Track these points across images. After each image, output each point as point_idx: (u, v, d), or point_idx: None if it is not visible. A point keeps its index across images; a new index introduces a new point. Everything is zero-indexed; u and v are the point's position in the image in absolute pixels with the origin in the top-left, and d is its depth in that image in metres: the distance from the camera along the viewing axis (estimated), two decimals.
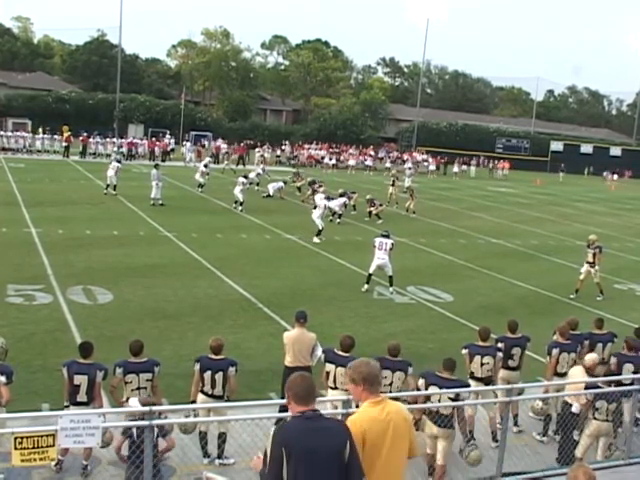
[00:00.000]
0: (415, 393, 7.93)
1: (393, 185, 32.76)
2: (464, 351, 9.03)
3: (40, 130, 49.77)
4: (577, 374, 8.82)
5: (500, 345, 9.43)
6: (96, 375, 7.46)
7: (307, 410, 4.16)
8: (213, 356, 8.09)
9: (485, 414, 9.02)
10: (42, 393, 9.04)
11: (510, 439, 8.44)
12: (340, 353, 8.34)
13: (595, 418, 8.41)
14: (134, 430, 6.63)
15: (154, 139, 53.14)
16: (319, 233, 21.91)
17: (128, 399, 7.48)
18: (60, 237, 19.41)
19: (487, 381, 8.88)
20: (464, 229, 26.94)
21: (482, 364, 8.90)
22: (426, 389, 7.88)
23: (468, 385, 8.38)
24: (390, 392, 8.25)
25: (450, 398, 7.77)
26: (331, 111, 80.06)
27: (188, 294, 14.62)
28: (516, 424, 9.43)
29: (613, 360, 9.44)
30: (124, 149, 48.69)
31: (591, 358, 8.98)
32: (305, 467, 3.99)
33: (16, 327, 11.67)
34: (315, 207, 26.48)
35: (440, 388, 7.81)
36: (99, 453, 7.46)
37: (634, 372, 9.36)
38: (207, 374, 7.99)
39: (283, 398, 8.86)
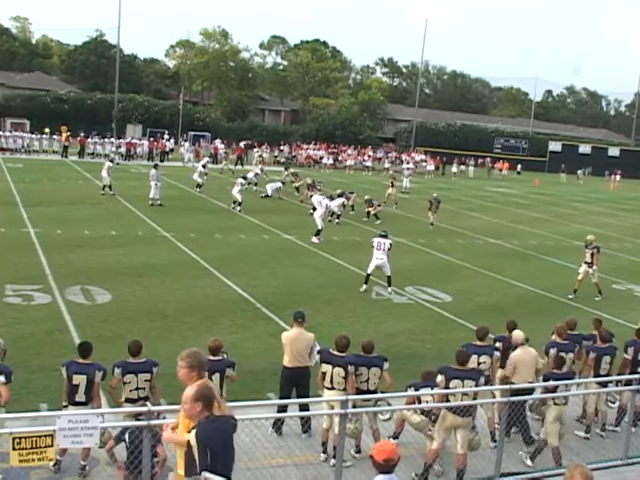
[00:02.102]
0: (441, 392, 7.99)
1: (392, 186, 32.66)
2: None
3: (47, 130, 49.82)
4: (523, 356, 9.05)
5: (498, 345, 9.44)
6: (95, 375, 7.44)
7: (211, 414, 5.07)
8: (211, 357, 8.07)
9: (483, 414, 9.02)
10: (40, 393, 9.03)
11: (508, 439, 8.48)
12: (336, 353, 8.32)
13: (556, 404, 8.55)
14: (126, 436, 6.66)
15: (152, 139, 53.09)
16: (318, 233, 21.88)
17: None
18: (58, 237, 19.40)
19: (485, 380, 8.86)
20: (462, 229, 26.94)
21: (479, 363, 8.89)
22: (447, 383, 7.93)
23: (483, 373, 8.46)
24: (368, 389, 8.29)
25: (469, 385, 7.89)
26: (329, 111, 79.99)
27: (187, 294, 14.62)
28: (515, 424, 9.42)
29: (592, 355, 9.51)
30: (123, 149, 48.67)
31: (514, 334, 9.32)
32: (222, 455, 5.08)
33: (14, 327, 11.66)
34: (314, 208, 26.51)
35: (462, 380, 7.89)
36: (97, 453, 7.44)
37: (610, 363, 9.52)
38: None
39: (282, 398, 8.92)
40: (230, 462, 5.22)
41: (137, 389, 7.64)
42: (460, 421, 7.81)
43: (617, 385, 9.38)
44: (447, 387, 7.92)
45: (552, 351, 9.37)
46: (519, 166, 66.45)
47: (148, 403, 7.03)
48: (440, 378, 8.01)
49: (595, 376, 9.44)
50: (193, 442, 5.00)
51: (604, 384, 9.29)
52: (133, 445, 6.51)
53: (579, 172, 65.64)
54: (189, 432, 5.13)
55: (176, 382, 8.98)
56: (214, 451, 5.01)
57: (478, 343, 9.10)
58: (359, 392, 8.16)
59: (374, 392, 8.26)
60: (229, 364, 8.05)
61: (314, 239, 21.65)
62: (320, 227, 21.95)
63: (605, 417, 9.61)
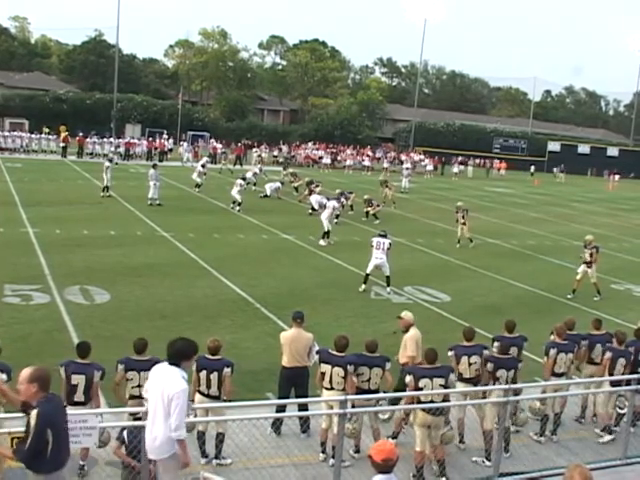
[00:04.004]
0: (414, 393, 7.96)
1: (389, 189, 32.44)
2: (450, 353, 8.94)
3: (47, 130, 49.80)
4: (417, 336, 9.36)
5: (496, 344, 9.42)
6: (94, 375, 7.44)
7: (47, 394, 5.33)
8: (210, 356, 8.08)
9: (474, 415, 8.96)
10: None
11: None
12: (335, 353, 8.31)
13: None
14: (125, 434, 6.68)
15: (150, 139, 52.98)
16: (325, 235, 21.59)
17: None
18: (57, 237, 19.37)
19: (476, 381, 8.83)
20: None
21: (470, 364, 8.82)
22: (416, 383, 7.91)
23: (453, 370, 8.47)
24: (369, 388, 8.28)
25: (441, 385, 7.88)
26: (328, 111, 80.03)
27: (185, 294, 14.60)
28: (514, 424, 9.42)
29: (608, 355, 9.46)
30: (122, 149, 48.57)
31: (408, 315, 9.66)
32: (64, 432, 5.41)
33: (13, 327, 11.66)
34: (312, 208, 26.50)
35: (431, 378, 7.87)
36: (96, 453, 7.41)
37: (625, 366, 9.47)
38: (202, 374, 7.98)
39: (280, 398, 8.91)
40: (68, 441, 5.50)
41: (139, 386, 7.62)
42: (431, 419, 7.81)
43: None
44: (417, 386, 7.90)
45: (552, 351, 9.30)
46: (532, 167, 65.77)
47: (145, 403, 7.02)
48: (409, 378, 7.97)
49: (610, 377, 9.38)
50: (33, 423, 5.15)
51: (616, 386, 9.25)
52: (132, 445, 6.53)
53: (555, 170, 65.25)
54: (28, 414, 5.26)
55: None
56: (57, 429, 5.23)
57: (466, 344, 9.01)
58: (360, 392, 8.14)
59: (375, 392, 8.25)
60: (227, 364, 8.04)
61: (321, 242, 21.43)
62: (326, 229, 21.73)
63: (609, 419, 9.55)
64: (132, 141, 51.27)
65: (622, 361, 9.46)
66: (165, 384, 5.76)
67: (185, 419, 5.81)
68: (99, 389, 7.62)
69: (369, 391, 8.20)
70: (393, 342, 12.33)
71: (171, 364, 5.87)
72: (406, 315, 9.64)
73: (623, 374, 9.40)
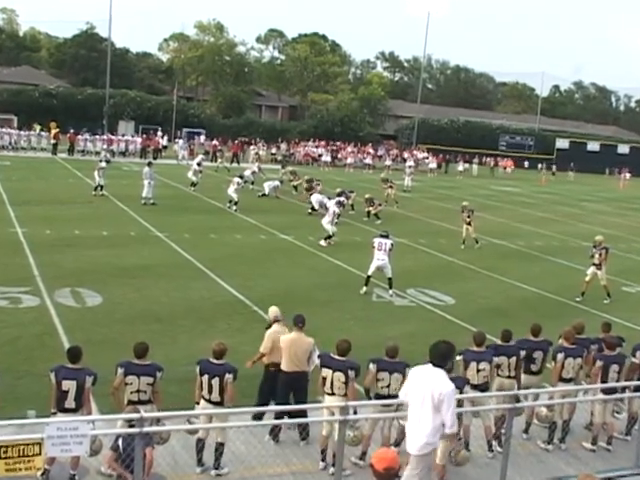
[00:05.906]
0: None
1: (390, 188, 32.23)
2: (458, 357, 8.73)
3: (38, 127, 49.43)
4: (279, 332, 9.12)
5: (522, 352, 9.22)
6: (85, 380, 7.31)
7: None
8: (213, 360, 7.92)
9: (479, 423, 8.78)
10: (28, 399, 8.78)
11: (514, 447, 8.25)
12: (336, 357, 8.19)
13: (498, 375, 9.02)
14: (120, 442, 6.62)
15: (144, 136, 52.44)
16: (328, 238, 21.37)
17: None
18: (47, 237, 19.14)
19: (483, 388, 8.71)
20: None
21: (478, 370, 8.71)
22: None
23: (467, 381, 8.38)
24: (389, 394, 8.16)
25: None
26: (329, 107, 79.48)
27: (181, 296, 14.45)
28: (526, 431, 9.27)
29: (599, 363, 9.19)
30: (114, 146, 47.97)
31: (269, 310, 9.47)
32: None
33: (1, 331, 11.49)
34: (312, 208, 26.32)
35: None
36: (87, 462, 7.27)
37: (619, 372, 9.23)
38: (204, 378, 7.85)
39: (279, 404, 8.70)
40: None
41: (138, 391, 7.57)
42: None
43: (625, 392, 9.09)
44: None
45: (559, 356, 9.16)
46: (554, 167, 64.77)
47: (141, 409, 6.84)
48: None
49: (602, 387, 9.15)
50: None
51: (609, 393, 8.99)
52: (125, 453, 6.49)
53: (539, 167, 65.07)
54: None
55: (170, 387, 8.79)
56: None
57: (476, 349, 8.87)
58: (380, 397, 8.04)
59: (395, 397, 8.05)
60: (229, 370, 7.86)
61: (322, 242, 21.17)
62: (331, 233, 21.50)
63: (612, 429, 9.29)
64: (112, 137, 50.05)
65: (615, 367, 9.19)
66: (434, 385, 6.24)
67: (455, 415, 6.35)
68: (91, 395, 7.48)
69: (389, 396, 8.07)
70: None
71: (436, 366, 6.34)
72: (269, 310, 9.53)
73: (618, 380, 9.16)
